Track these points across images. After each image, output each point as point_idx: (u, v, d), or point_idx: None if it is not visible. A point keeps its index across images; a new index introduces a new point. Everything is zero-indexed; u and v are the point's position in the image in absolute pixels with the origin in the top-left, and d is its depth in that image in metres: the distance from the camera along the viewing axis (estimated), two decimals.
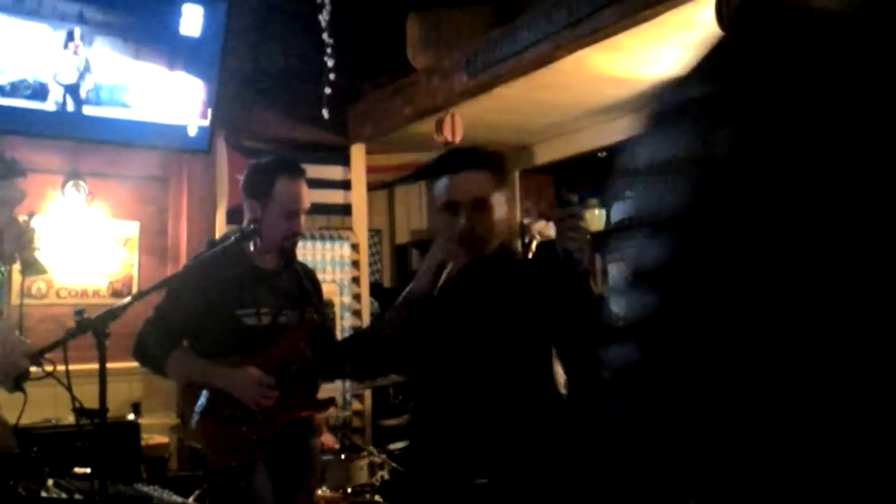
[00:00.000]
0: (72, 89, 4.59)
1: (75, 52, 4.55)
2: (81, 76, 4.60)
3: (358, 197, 5.92)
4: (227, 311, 2.60)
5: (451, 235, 2.13)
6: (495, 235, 2.17)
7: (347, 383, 5.04)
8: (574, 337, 2.16)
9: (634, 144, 0.65)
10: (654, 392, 0.61)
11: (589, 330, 2.10)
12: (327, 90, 4.96)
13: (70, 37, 4.52)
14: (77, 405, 2.07)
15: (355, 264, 5.91)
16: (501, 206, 2.18)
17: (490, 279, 2.18)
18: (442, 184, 2.16)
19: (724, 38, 0.63)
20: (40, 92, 4.51)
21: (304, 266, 2.90)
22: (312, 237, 5.64)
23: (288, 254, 2.79)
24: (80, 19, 4.54)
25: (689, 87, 0.62)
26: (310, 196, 2.77)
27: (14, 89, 4.44)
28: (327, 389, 2.81)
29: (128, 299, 2.23)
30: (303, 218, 2.72)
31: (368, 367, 2.36)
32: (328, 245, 5.79)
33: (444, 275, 2.19)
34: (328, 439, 4.15)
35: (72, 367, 2.03)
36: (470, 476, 2.12)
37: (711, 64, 0.62)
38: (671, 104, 0.64)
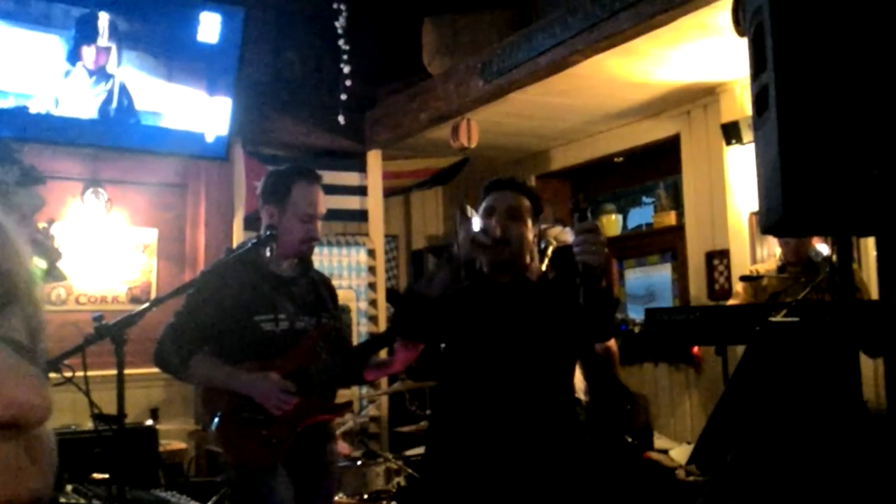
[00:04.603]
0: (91, 98, 4.63)
1: (96, 64, 4.59)
2: (107, 89, 4.64)
3: (374, 203, 5.93)
4: (246, 317, 2.62)
5: (470, 235, 2.29)
6: (522, 247, 2.36)
7: (364, 389, 5.04)
8: (590, 340, 2.28)
9: None
10: None
11: (604, 328, 2.22)
12: (343, 96, 4.97)
13: (89, 41, 4.55)
14: (95, 411, 2.08)
15: (371, 270, 5.91)
16: (530, 230, 2.38)
17: (528, 298, 2.35)
18: (486, 200, 2.41)
19: None
20: (59, 100, 4.55)
21: (319, 273, 2.94)
22: (329, 243, 5.66)
23: (305, 261, 2.82)
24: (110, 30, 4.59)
25: None
26: (326, 202, 2.81)
27: (34, 97, 4.49)
28: (343, 395, 2.81)
29: (146, 305, 2.24)
30: (319, 223, 2.75)
31: (413, 326, 2.44)
32: (344, 251, 5.80)
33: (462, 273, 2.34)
34: (343, 447, 4.15)
35: (90, 372, 2.04)
36: (497, 480, 2.19)
37: None
38: None
